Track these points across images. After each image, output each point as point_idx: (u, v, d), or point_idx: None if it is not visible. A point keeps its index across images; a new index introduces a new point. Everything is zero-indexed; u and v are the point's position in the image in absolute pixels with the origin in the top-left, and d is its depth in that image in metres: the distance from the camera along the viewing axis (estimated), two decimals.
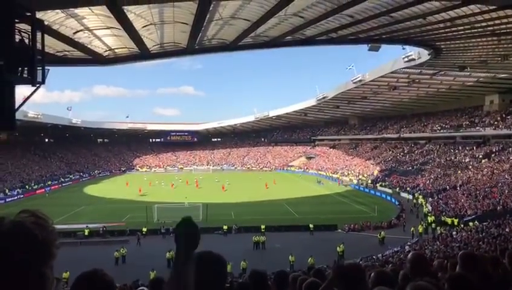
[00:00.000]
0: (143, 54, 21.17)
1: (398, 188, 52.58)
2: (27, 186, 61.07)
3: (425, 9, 18.80)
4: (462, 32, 24.98)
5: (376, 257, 22.65)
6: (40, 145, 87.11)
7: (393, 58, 44.43)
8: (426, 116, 68.63)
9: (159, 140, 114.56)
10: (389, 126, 76.34)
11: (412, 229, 31.57)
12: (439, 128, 61.78)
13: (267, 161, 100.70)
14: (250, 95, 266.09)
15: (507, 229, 22.40)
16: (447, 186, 44.27)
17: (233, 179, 72.98)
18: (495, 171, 42.88)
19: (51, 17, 14.66)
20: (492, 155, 48.67)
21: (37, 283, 0.96)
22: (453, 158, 54.26)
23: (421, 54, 36.59)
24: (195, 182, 66.78)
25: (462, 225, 29.89)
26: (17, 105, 11.19)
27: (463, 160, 51.90)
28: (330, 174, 74.50)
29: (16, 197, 54.57)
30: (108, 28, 16.71)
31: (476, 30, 24.36)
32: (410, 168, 58.61)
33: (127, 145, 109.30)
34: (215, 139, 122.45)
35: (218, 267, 1.66)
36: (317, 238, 32.24)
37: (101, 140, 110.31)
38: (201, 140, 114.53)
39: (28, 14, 11.88)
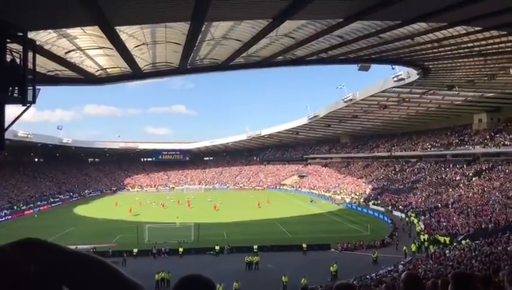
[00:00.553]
0: (135, 73, 21.24)
1: (390, 207, 52.56)
2: (15, 207, 59.95)
3: (413, 30, 19.21)
4: (450, 52, 25.51)
5: (370, 277, 22.45)
6: (30, 165, 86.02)
7: (384, 77, 45.14)
8: (416, 134, 69.34)
9: (150, 159, 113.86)
10: (380, 144, 76.89)
11: (405, 248, 31.45)
12: (429, 146, 62.36)
13: (259, 179, 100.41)
14: (242, 114, 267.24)
15: (499, 248, 22.41)
16: (439, 204, 44.37)
17: (226, 198, 72.52)
18: (485, 189, 43.15)
19: (43, 37, 14.70)
20: (483, 173, 49.09)
21: None
22: (444, 176, 54.61)
23: (410, 74, 37.20)
24: (187, 202, 66.16)
25: (455, 244, 29.85)
26: (6, 124, 11.13)
27: (454, 178, 52.25)
28: (323, 193, 74.40)
29: (3, 219, 53.49)
30: (100, 47, 16.77)
31: (462, 50, 24.90)
32: (402, 186, 58.81)
33: (118, 165, 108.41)
34: (207, 158, 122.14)
35: None
36: (310, 258, 31.93)
37: (92, 159, 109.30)
38: (193, 159, 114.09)
39: (20, 34, 11.93)
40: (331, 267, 26.27)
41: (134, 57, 18.26)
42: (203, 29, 15.37)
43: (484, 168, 50.29)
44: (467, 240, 29.16)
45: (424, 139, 65.45)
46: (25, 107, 11.23)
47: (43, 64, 17.77)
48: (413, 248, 31.49)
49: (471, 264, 17.59)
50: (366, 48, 22.69)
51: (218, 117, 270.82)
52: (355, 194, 64.90)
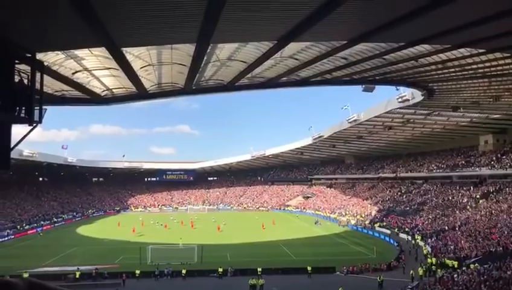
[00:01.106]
0: (140, 93, 21.42)
1: (396, 229, 51.81)
2: (18, 227, 59.71)
3: (417, 52, 19.33)
4: (454, 74, 25.60)
5: None
6: (34, 184, 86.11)
7: (388, 97, 45.27)
8: (422, 155, 68.98)
9: (154, 179, 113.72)
10: (386, 165, 76.46)
11: (412, 271, 30.77)
12: (435, 167, 61.89)
13: (263, 200, 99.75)
14: (246, 134, 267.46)
15: (508, 272, 21.89)
16: (446, 227, 43.69)
17: (230, 219, 71.92)
18: (493, 211, 42.52)
19: (51, 58, 14.91)
20: (490, 195, 48.46)
21: None
22: (450, 198, 53.96)
23: (414, 95, 37.27)
24: (191, 222, 65.63)
25: (464, 268, 29.19)
26: (13, 144, 11.17)
27: (461, 200, 51.59)
28: (328, 214, 73.62)
29: (6, 238, 53.26)
30: (106, 68, 16.98)
31: (467, 72, 24.98)
32: (408, 208, 58.11)
33: (122, 185, 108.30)
34: (212, 178, 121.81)
35: None
36: (315, 281, 31.35)
37: (96, 179, 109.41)
38: (197, 179, 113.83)
39: (28, 55, 12.12)
40: None
41: (140, 77, 18.45)
42: (208, 50, 15.54)
43: (491, 190, 49.68)
44: (476, 264, 28.54)
45: (430, 161, 65.04)
46: (32, 127, 11.28)
47: (50, 85, 17.98)
48: (420, 271, 30.81)
49: (480, 289, 17.17)
50: (370, 69, 22.82)
51: (222, 137, 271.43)
52: (361, 216, 64.14)
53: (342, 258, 37.47)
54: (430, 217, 49.90)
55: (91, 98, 21.14)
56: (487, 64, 22.39)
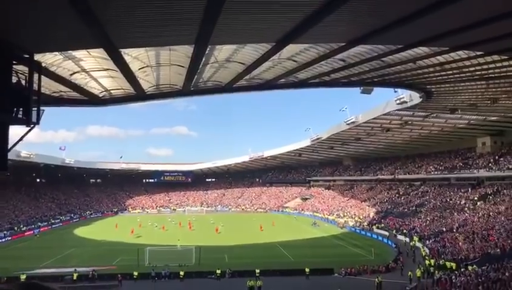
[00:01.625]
0: (138, 95, 21.38)
1: (394, 230, 51.87)
2: (16, 228, 59.51)
3: (415, 54, 19.38)
4: (452, 76, 25.67)
5: None
6: (32, 186, 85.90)
7: (386, 99, 45.35)
8: (420, 157, 69.13)
9: (152, 180, 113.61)
10: (384, 167, 76.57)
11: (410, 273, 30.80)
12: (433, 169, 62.03)
13: (262, 201, 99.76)
14: (244, 135, 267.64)
15: (506, 274, 21.93)
16: (444, 229, 43.77)
17: (228, 221, 71.89)
18: (491, 213, 42.63)
19: (49, 59, 14.87)
20: (488, 197, 48.58)
21: None
22: (448, 200, 54.08)
23: (412, 97, 37.34)
24: (188, 224, 65.54)
25: (462, 269, 29.23)
26: (10, 145, 11.12)
27: (458, 202, 51.72)
28: (326, 216, 73.66)
29: (3, 240, 53.08)
30: (104, 69, 16.94)
31: (464, 74, 25.05)
32: (406, 209, 58.20)
33: (120, 186, 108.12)
34: (209, 180, 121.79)
35: None
36: (313, 283, 31.34)
37: (93, 180, 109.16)
38: (195, 180, 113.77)
39: (26, 56, 12.09)
40: None
41: (138, 78, 18.42)
42: (207, 52, 15.53)
43: (489, 192, 49.82)
44: (474, 266, 28.60)
45: (428, 162, 65.20)
46: (29, 128, 11.24)
47: (48, 86, 17.92)
48: (418, 273, 30.85)
49: None
50: (368, 71, 22.86)
51: (220, 138, 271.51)
52: (359, 218, 64.20)
53: (340, 260, 37.49)
54: (428, 218, 49.99)
55: (89, 99, 21.08)
56: (485, 66, 22.46)
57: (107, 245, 48.39)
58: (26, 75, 11.73)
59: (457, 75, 25.28)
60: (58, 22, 10.27)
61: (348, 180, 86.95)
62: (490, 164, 51.42)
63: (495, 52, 19.08)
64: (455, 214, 47.72)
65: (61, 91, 19.73)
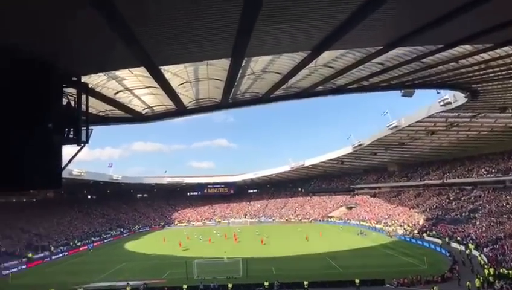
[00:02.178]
0: (179, 110, 22.02)
1: (447, 238, 49.41)
2: (71, 243, 62.57)
3: (457, 53, 18.63)
4: (499, 73, 24.37)
5: None
6: (83, 202, 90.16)
7: (429, 101, 43.77)
8: (469, 160, 65.79)
9: (196, 193, 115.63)
10: (431, 172, 73.52)
11: (468, 283, 29.04)
12: (485, 172, 58.76)
13: (305, 211, 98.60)
14: (284, 145, 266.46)
15: None
16: (502, 235, 41.13)
17: (272, 232, 71.61)
18: None
19: (95, 80, 15.73)
20: None
21: None
22: (504, 204, 50.88)
23: (457, 97, 35.81)
24: (234, 236, 65.92)
25: None
26: (63, 164, 11.81)
27: None
28: (373, 225, 71.52)
29: (60, 255, 55.95)
30: (146, 87, 17.66)
31: None
32: (459, 216, 55.34)
33: (165, 200, 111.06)
34: (252, 191, 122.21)
35: None
36: None
37: (140, 195, 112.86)
38: (238, 192, 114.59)
39: (75, 79, 12.86)
40: None
41: (178, 94, 19.00)
42: (243, 64, 15.78)
43: None
44: None
45: (479, 165, 61.88)
46: (80, 147, 11.91)
47: (95, 106, 18.89)
48: (477, 283, 29.06)
49: None
50: (408, 73, 22.22)
51: (260, 149, 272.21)
52: (408, 225, 61.81)
53: (391, 270, 36.14)
54: (484, 225, 47.22)
55: (133, 117, 21.96)
56: None
57: (156, 259, 49.64)
58: (75, 96, 12.50)
59: (505, 72, 23.97)
60: (101, 45, 10.87)
61: (394, 187, 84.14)
62: None
63: None
64: None
65: (107, 110, 20.72)
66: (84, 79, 13.03)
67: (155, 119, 23.37)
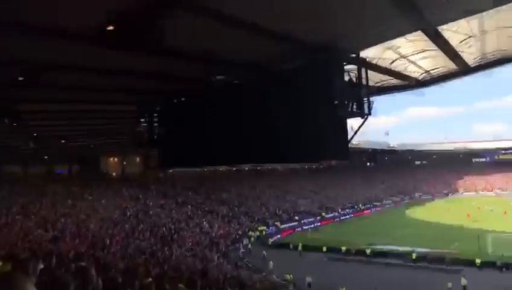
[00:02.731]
0: (461, 70, 19.89)
1: None
2: (355, 207, 68.03)
3: None
4: None
5: None
6: (363, 169, 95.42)
7: None
8: None
9: (483, 160, 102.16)
10: None
11: None
12: None
13: None
14: None
15: None
16: None
17: None
18: None
19: (371, 53, 16.26)
20: None
21: None
22: None
23: None
24: None
25: None
26: (349, 137, 13.00)
27: None
28: None
29: (347, 216, 61.93)
30: (423, 51, 16.85)
31: None
32: None
33: (447, 167, 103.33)
34: None
35: None
36: None
37: (418, 162, 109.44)
38: None
39: (353, 55, 13.79)
40: None
41: (459, 52, 17.18)
42: None
43: None
44: None
45: None
46: (363, 119, 12.78)
47: (371, 77, 19.56)
48: None
49: None
50: None
51: None
52: None
53: None
54: None
55: (408, 84, 21.51)
56: None
57: (440, 228, 47.40)
58: (355, 72, 13.42)
59: None
60: (377, 18, 11.10)
61: None
62: None
63: None
64: None
65: (382, 80, 21.10)
66: (361, 54, 13.78)
67: (432, 83, 22.10)
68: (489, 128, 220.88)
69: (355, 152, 79.65)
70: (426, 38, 14.34)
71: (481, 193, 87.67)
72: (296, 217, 55.35)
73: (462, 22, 14.13)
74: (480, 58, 19.29)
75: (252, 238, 43.34)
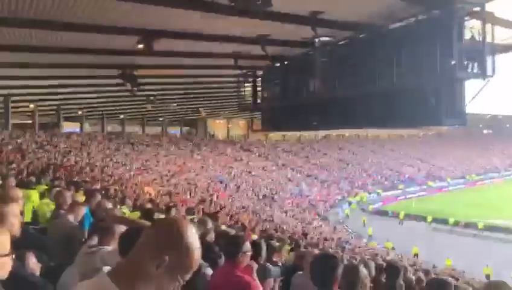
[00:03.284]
0: None
1: None
2: (467, 177, 62.47)
3: None
4: None
5: None
6: (478, 137, 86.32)
7: None
8: None
9: None
10: None
11: None
12: None
13: None
14: None
15: None
16: None
17: None
18: None
19: (497, 5, 14.25)
20: None
21: None
22: None
23: None
24: None
25: None
26: (467, 100, 11.85)
27: None
28: None
29: (457, 187, 57.56)
30: None
31: None
32: None
33: None
34: None
35: None
36: None
37: None
38: None
39: (477, 9, 12.20)
40: None
41: None
42: None
43: None
44: None
45: None
46: (485, 81, 11.49)
47: (497, 34, 17.27)
48: None
49: None
50: None
51: None
52: None
53: None
54: None
55: None
56: None
57: None
58: (479, 28, 11.91)
59: None
60: None
61: None
62: None
63: None
64: None
65: (510, 37, 18.49)
66: (487, 7, 12.15)
67: None
68: None
69: (470, 119, 72.04)
70: None
71: None
72: (400, 186, 53.10)
73: None
74: None
75: (352, 205, 42.95)
